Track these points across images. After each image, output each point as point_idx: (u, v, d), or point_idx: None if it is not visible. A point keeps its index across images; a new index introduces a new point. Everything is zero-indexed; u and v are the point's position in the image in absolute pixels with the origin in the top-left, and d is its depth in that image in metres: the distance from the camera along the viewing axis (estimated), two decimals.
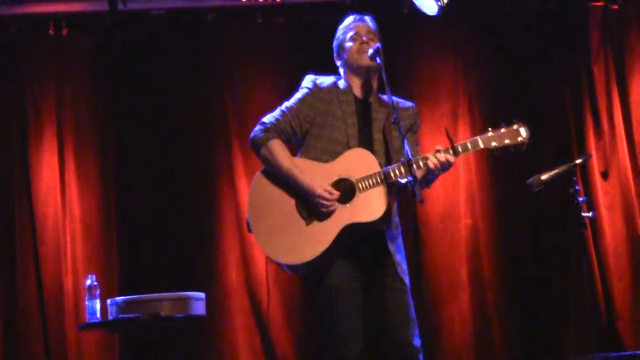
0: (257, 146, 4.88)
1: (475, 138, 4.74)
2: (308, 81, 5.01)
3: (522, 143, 4.70)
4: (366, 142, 4.87)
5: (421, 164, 4.74)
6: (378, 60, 4.79)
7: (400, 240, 4.91)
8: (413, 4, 6.84)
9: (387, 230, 4.82)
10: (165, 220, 7.45)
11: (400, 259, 4.85)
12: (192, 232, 7.51)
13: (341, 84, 5.00)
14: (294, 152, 4.96)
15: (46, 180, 7.42)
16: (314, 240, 4.73)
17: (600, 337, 7.38)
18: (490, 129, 4.74)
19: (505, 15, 7.81)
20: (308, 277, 4.89)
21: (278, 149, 4.84)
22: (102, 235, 7.43)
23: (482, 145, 4.72)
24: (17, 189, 7.40)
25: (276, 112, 4.93)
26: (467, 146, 4.73)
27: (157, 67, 7.61)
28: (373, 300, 4.82)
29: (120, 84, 7.57)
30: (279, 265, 4.88)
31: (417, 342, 4.78)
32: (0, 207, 7.39)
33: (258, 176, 4.92)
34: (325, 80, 5.01)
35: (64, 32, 7.54)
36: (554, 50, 7.83)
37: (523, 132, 4.71)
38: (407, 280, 4.85)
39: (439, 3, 6.93)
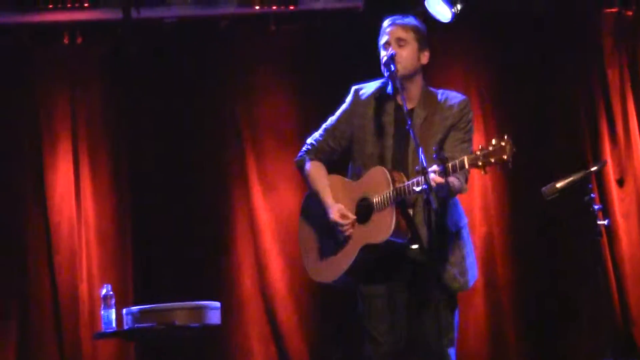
0: (299, 168, 5.14)
1: (462, 158, 4.66)
2: (350, 94, 5.09)
3: (506, 161, 4.57)
4: (401, 154, 4.91)
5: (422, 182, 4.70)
6: (392, 67, 4.81)
7: (455, 241, 4.92)
8: (426, 11, 6.86)
9: (424, 239, 4.81)
10: (179, 229, 7.45)
11: (448, 264, 4.87)
12: (207, 240, 7.51)
13: (388, 89, 5.01)
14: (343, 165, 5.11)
15: (60, 188, 7.42)
16: (336, 262, 4.92)
17: (615, 344, 7.35)
18: (480, 146, 4.67)
19: (518, 19, 7.77)
20: (349, 286, 5.07)
21: (312, 171, 5.05)
22: (117, 244, 7.43)
23: (467, 166, 4.65)
24: (31, 197, 7.42)
25: (318, 132, 5.12)
26: (455, 167, 4.65)
27: (171, 74, 7.61)
28: (407, 307, 4.91)
29: (134, 92, 7.58)
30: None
31: (451, 352, 4.86)
32: (15, 215, 7.40)
33: (303, 205, 5.19)
34: (368, 89, 5.05)
35: (78, 40, 7.55)
36: (567, 56, 7.80)
37: (508, 149, 4.56)
38: (455, 284, 4.88)
39: (452, 10, 6.95)
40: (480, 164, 4.58)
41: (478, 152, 4.61)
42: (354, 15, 7.60)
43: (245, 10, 7.62)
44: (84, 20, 7.52)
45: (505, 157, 4.55)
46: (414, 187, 4.68)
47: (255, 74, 7.72)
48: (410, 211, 4.84)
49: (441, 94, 5.05)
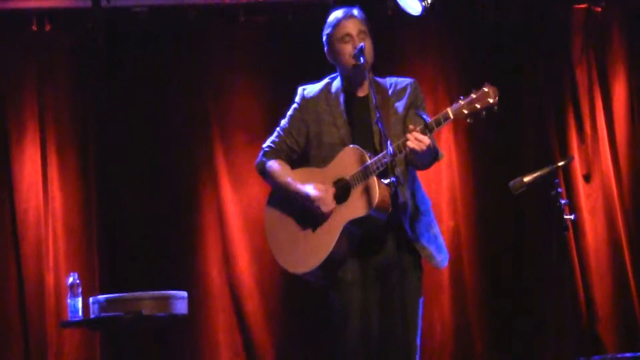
0: (260, 172, 5.08)
1: (445, 110, 4.67)
2: (297, 95, 5.09)
3: (492, 105, 4.61)
4: (364, 138, 4.89)
5: (402, 147, 4.67)
6: (362, 59, 4.81)
7: (426, 220, 4.91)
8: (397, 4, 6.87)
9: (403, 216, 4.79)
10: (147, 218, 7.44)
11: (425, 241, 4.87)
12: (174, 230, 7.50)
13: (335, 84, 5.02)
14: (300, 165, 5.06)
15: (27, 176, 7.37)
16: (318, 246, 4.84)
17: (580, 339, 7.41)
18: (461, 97, 4.68)
19: (488, 17, 7.79)
20: (327, 278, 4.94)
21: (275, 169, 4.99)
22: (84, 233, 7.40)
23: (452, 116, 4.64)
24: None
25: (273, 135, 5.07)
26: (439, 120, 4.65)
27: (140, 64, 7.59)
28: (384, 295, 4.86)
29: (102, 81, 7.55)
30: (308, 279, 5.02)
31: (417, 341, 4.84)
32: None
33: (266, 207, 5.10)
34: (314, 88, 5.06)
35: (47, 27, 7.50)
36: (536, 52, 7.84)
37: (492, 93, 4.62)
38: (435, 262, 4.91)
39: (423, 3, 6.96)
40: (466, 112, 4.60)
41: (461, 101, 4.62)
42: (325, 7, 7.57)
43: (214, 1, 7.61)
44: (53, 7, 7.47)
45: (491, 100, 4.59)
46: (384, 160, 4.63)
47: (223, 65, 7.71)
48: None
49: (388, 80, 5.03)
